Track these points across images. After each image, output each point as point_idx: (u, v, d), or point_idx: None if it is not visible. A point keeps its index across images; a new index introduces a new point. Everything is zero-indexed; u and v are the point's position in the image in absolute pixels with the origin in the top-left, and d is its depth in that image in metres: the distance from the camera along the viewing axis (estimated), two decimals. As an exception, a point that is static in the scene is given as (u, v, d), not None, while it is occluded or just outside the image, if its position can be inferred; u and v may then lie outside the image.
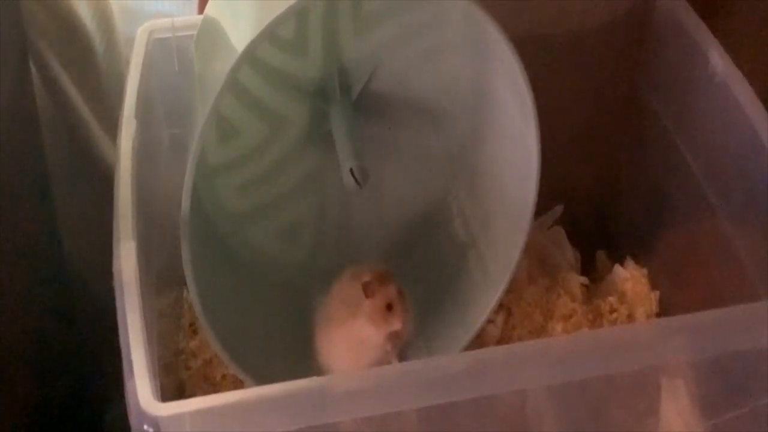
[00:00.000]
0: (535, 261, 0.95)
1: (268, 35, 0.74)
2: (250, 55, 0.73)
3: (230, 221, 0.86)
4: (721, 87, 0.81)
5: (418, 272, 0.89)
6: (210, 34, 0.80)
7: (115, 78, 0.96)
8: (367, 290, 0.75)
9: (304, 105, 0.84)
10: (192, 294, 0.77)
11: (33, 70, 0.92)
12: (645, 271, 0.93)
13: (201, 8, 0.87)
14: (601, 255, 0.99)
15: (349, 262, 0.86)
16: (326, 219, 0.89)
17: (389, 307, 0.75)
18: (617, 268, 0.94)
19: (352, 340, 0.76)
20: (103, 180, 0.93)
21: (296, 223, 0.89)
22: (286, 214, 0.88)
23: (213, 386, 0.86)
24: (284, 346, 0.84)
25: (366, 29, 0.82)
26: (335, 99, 0.82)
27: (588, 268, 0.97)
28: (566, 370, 0.67)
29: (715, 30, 0.84)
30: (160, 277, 0.78)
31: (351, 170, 0.78)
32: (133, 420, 0.61)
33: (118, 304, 0.67)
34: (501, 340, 0.89)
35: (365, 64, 0.82)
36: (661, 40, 0.89)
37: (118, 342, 0.65)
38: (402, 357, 0.76)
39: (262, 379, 0.77)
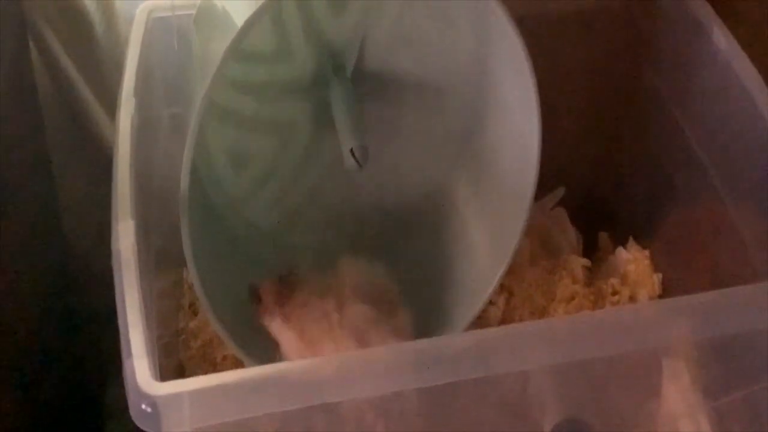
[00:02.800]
0: (537, 242, 0.95)
1: (234, 52, 0.73)
2: (220, 75, 0.73)
3: (229, 198, 0.86)
4: (724, 66, 0.81)
5: (420, 253, 0.88)
6: (209, 12, 0.79)
7: (115, 57, 0.95)
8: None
9: (307, 100, 0.84)
10: (192, 273, 0.76)
11: (32, 48, 0.92)
12: (647, 252, 0.93)
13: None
14: (603, 237, 0.99)
15: (349, 244, 0.86)
16: (325, 199, 0.89)
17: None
18: (619, 249, 0.94)
19: None
20: (103, 158, 0.93)
21: (295, 203, 0.89)
22: (287, 194, 0.88)
23: (213, 367, 0.86)
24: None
25: (341, 5, 0.81)
26: (332, 81, 0.82)
27: (590, 249, 0.97)
28: (568, 350, 0.67)
29: (718, 9, 0.83)
30: (160, 257, 0.78)
31: (351, 150, 0.78)
32: (131, 400, 0.61)
33: (116, 283, 0.66)
34: (502, 322, 0.89)
35: (352, 37, 0.82)
36: (664, 19, 0.88)
37: (117, 321, 0.65)
38: None
39: (261, 360, 0.77)
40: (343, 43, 0.82)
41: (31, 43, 0.92)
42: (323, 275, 0.80)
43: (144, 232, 0.72)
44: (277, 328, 0.77)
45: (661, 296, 0.90)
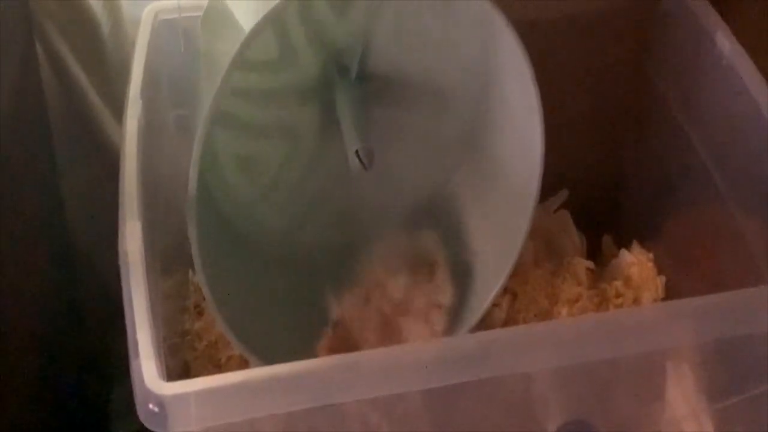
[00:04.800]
0: (541, 245, 0.95)
1: (238, 63, 0.73)
2: (226, 84, 0.73)
3: (237, 201, 0.86)
4: (728, 70, 0.81)
5: (424, 255, 0.89)
6: (216, 14, 0.80)
7: (121, 59, 0.95)
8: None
9: (312, 104, 0.84)
10: (198, 273, 0.77)
11: (39, 50, 0.92)
12: (651, 255, 0.93)
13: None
14: (607, 239, 0.99)
15: (358, 244, 0.87)
16: (332, 201, 0.89)
17: None
18: (623, 252, 0.94)
19: None
20: (109, 160, 0.93)
21: (304, 204, 0.89)
22: (295, 196, 0.88)
23: (218, 368, 0.86)
24: (290, 327, 0.84)
25: (344, 7, 0.82)
26: (348, 76, 0.82)
27: (594, 252, 0.97)
28: (571, 352, 0.67)
29: (722, 13, 0.84)
30: (166, 258, 0.78)
31: (356, 152, 0.78)
32: (138, 399, 0.61)
33: (123, 284, 0.67)
34: (506, 324, 0.89)
35: (355, 39, 0.82)
36: (668, 22, 0.89)
37: (124, 322, 0.65)
38: None
39: (267, 360, 0.78)
40: (346, 45, 0.82)
41: (37, 45, 0.92)
42: (356, 286, 0.81)
43: (150, 232, 0.72)
44: None
45: (664, 299, 0.90)
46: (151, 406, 0.61)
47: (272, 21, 0.75)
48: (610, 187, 0.99)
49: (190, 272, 0.86)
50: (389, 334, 0.78)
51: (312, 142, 0.86)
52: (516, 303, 0.90)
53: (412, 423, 0.68)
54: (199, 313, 0.89)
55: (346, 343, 0.78)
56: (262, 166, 0.86)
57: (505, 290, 0.88)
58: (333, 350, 0.77)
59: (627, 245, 0.95)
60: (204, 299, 0.80)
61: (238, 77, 0.79)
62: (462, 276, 0.87)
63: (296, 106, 0.84)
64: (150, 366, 0.62)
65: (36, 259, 0.89)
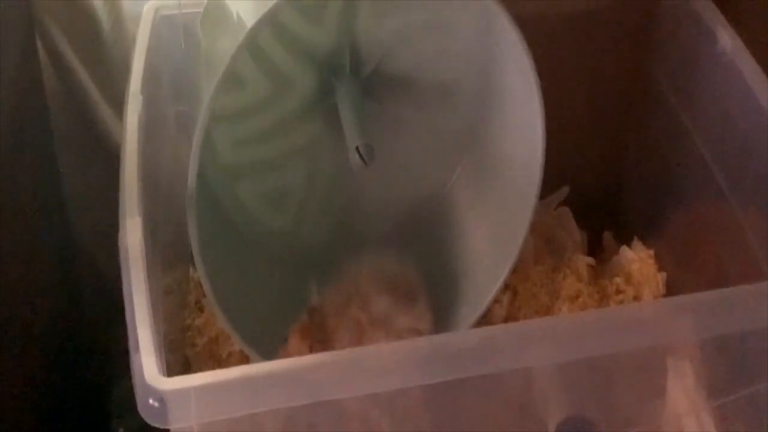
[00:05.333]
0: (542, 241, 0.95)
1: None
2: (271, 18, 0.73)
3: (237, 198, 0.86)
4: (729, 67, 0.81)
5: (425, 251, 0.89)
6: (216, 11, 0.80)
7: (122, 55, 0.95)
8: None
9: (312, 73, 0.84)
10: (199, 269, 0.77)
11: (40, 47, 0.92)
12: (652, 252, 0.93)
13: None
14: (607, 236, 0.99)
15: (355, 243, 0.87)
16: (333, 198, 0.89)
17: None
18: (624, 249, 0.94)
19: None
20: (110, 156, 0.93)
21: (303, 201, 0.89)
22: (297, 197, 0.88)
23: (218, 364, 0.86)
24: (291, 323, 0.84)
25: (383, 13, 0.82)
26: (344, 75, 0.82)
27: (595, 248, 0.97)
28: (572, 348, 0.67)
29: (723, 10, 0.83)
30: (166, 254, 0.78)
31: (357, 148, 0.78)
32: (138, 395, 0.61)
33: (123, 279, 0.67)
34: (507, 320, 0.89)
35: (377, 47, 0.82)
36: (670, 19, 0.89)
37: (124, 318, 0.65)
38: None
39: (268, 356, 0.78)
40: (368, 46, 0.82)
41: (38, 41, 0.92)
42: (335, 278, 0.81)
43: (151, 229, 0.72)
44: None
45: (665, 295, 0.90)
46: (151, 401, 0.61)
47: (251, 51, 0.76)
48: (611, 183, 0.99)
49: (191, 268, 0.86)
50: (360, 341, 0.78)
51: (296, 107, 0.85)
52: (517, 299, 0.90)
53: (412, 419, 0.68)
54: (200, 309, 0.90)
55: (319, 334, 0.78)
56: (247, 88, 0.84)
57: (506, 287, 0.88)
58: (304, 336, 0.77)
59: (628, 242, 0.95)
60: (204, 295, 0.80)
61: (236, 128, 0.80)
62: (463, 272, 0.87)
63: (301, 65, 0.83)
64: (150, 361, 0.62)
65: (36, 255, 0.89)
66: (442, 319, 0.85)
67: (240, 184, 0.86)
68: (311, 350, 0.76)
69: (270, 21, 0.77)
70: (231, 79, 0.81)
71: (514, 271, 0.85)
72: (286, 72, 0.83)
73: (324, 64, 0.83)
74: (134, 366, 0.62)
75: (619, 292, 0.91)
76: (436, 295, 0.85)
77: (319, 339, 0.77)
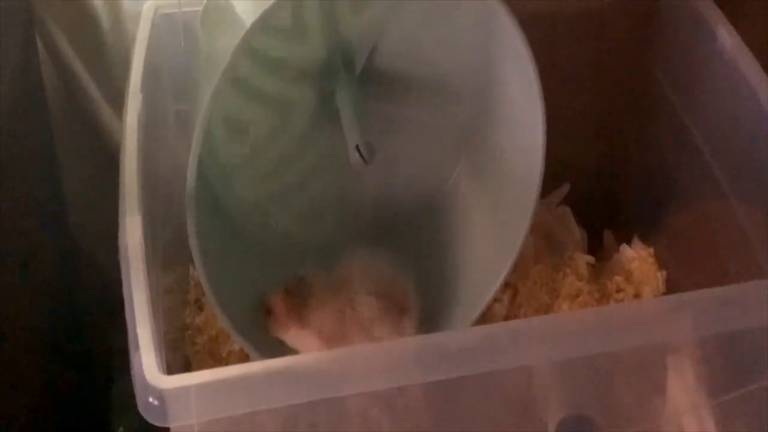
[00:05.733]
0: (542, 240, 0.95)
1: (260, 26, 0.73)
2: (245, 47, 0.73)
3: (237, 198, 0.86)
4: (729, 64, 0.81)
5: (425, 250, 0.89)
6: (216, 9, 0.80)
7: (122, 53, 0.95)
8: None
9: (311, 88, 0.84)
10: (198, 268, 0.77)
11: (39, 45, 0.92)
12: (652, 250, 0.93)
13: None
14: (608, 234, 0.99)
15: (354, 242, 0.86)
16: (321, 190, 0.89)
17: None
18: (624, 247, 0.94)
19: None
20: (109, 155, 0.93)
21: (284, 184, 0.88)
22: (305, 195, 0.88)
23: (218, 362, 0.86)
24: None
25: (362, 5, 0.82)
26: (340, 77, 0.82)
27: (595, 247, 0.97)
28: (572, 346, 0.67)
29: (723, 7, 0.83)
30: (167, 253, 0.78)
31: (357, 147, 0.78)
32: (138, 393, 0.61)
33: (123, 277, 0.67)
34: (507, 319, 0.89)
35: (365, 39, 0.82)
36: (670, 17, 0.89)
37: (124, 317, 0.65)
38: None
39: (267, 354, 0.78)
40: (356, 42, 0.82)
41: (38, 40, 0.92)
42: (331, 272, 0.81)
43: (151, 227, 0.72)
44: (293, 338, 0.79)
45: (665, 294, 0.90)
46: (151, 399, 0.61)
47: (246, 93, 0.76)
48: (611, 182, 0.99)
49: (191, 267, 0.86)
50: (336, 335, 0.78)
51: (302, 124, 0.85)
52: (517, 298, 0.90)
53: (412, 417, 0.68)
54: (200, 307, 0.89)
55: (297, 307, 0.78)
56: (250, 131, 0.84)
57: (506, 285, 0.88)
58: (283, 305, 0.78)
59: (628, 240, 0.95)
60: (204, 294, 0.80)
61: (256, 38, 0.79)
62: (462, 271, 0.87)
63: (296, 85, 0.83)
64: (150, 360, 0.62)
65: (36, 253, 0.89)
66: (441, 318, 0.85)
67: (239, 184, 0.86)
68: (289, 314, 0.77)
69: (246, 55, 0.78)
70: (233, 126, 0.82)
71: (515, 269, 0.85)
72: (284, 97, 0.83)
73: (319, 75, 0.83)
74: (134, 364, 0.62)
75: (619, 290, 0.91)
76: (434, 294, 0.85)
77: (297, 312, 0.78)
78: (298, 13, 0.80)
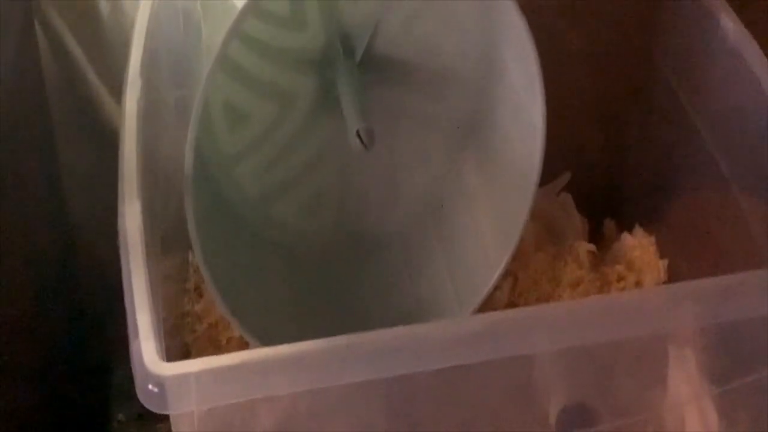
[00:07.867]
0: (543, 228, 0.95)
1: (251, 9, 0.73)
2: (237, 29, 0.73)
3: (237, 185, 0.86)
4: (732, 53, 0.80)
5: (426, 237, 0.88)
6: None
7: (121, 38, 0.95)
8: None
9: (311, 76, 0.83)
10: (197, 254, 0.76)
11: (38, 30, 0.92)
12: (653, 239, 0.92)
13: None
14: (609, 223, 0.99)
15: (354, 230, 0.86)
16: (323, 180, 0.89)
17: None
18: (625, 236, 0.94)
19: None
20: (108, 140, 0.93)
21: (286, 175, 0.88)
22: (306, 185, 0.88)
23: (218, 349, 0.86)
24: (290, 309, 0.84)
25: None
26: (340, 64, 0.82)
27: (596, 235, 0.97)
28: (573, 335, 0.66)
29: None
30: (166, 240, 0.77)
31: (357, 132, 0.78)
32: (138, 380, 0.61)
33: (122, 263, 0.66)
34: (507, 307, 0.89)
35: (365, 25, 0.82)
36: (673, 5, 0.88)
37: (123, 305, 0.65)
38: None
39: (268, 341, 0.77)
40: (355, 28, 0.82)
41: (36, 25, 0.91)
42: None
43: (150, 214, 0.72)
44: None
45: (666, 282, 0.90)
46: (150, 386, 0.60)
47: (246, 83, 0.76)
48: (613, 170, 0.99)
49: (191, 254, 0.86)
50: None
51: (302, 113, 0.85)
52: (517, 286, 0.90)
53: (413, 404, 0.68)
54: (200, 294, 0.89)
55: None
56: (250, 121, 0.84)
57: (507, 273, 0.88)
58: None
59: (629, 228, 0.95)
60: (204, 281, 0.79)
61: (250, 23, 0.78)
62: (463, 259, 0.87)
63: (295, 72, 0.83)
64: (149, 347, 0.62)
65: (35, 241, 0.88)
66: (442, 306, 0.85)
67: (240, 171, 0.86)
68: None
69: (249, 43, 0.78)
70: (232, 116, 0.82)
71: (515, 257, 0.85)
72: (284, 86, 0.83)
73: (319, 62, 0.82)
74: (133, 351, 0.62)
75: (620, 278, 0.91)
76: (435, 282, 0.85)
77: None
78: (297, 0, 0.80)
